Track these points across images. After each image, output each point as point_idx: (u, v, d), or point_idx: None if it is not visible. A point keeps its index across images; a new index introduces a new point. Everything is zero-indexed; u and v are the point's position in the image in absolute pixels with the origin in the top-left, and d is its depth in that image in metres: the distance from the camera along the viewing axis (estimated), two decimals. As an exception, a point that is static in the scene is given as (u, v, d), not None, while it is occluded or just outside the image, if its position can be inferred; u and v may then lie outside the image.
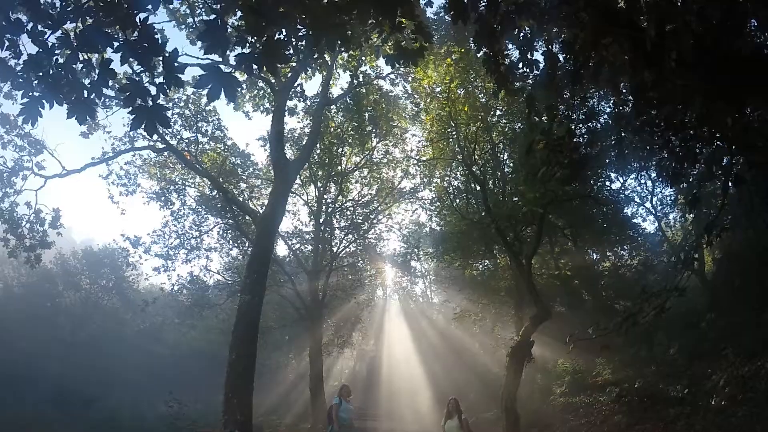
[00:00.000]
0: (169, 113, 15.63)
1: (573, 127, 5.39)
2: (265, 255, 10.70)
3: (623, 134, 6.29)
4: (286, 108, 14.02)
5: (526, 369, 12.83)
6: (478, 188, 14.06)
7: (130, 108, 3.69)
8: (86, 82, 3.95)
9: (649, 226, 21.30)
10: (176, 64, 3.81)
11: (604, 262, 20.80)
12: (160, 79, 3.88)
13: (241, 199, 17.66)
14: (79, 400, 24.07)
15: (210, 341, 25.72)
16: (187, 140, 16.20)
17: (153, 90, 3.71)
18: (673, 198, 20.35)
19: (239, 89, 11.93)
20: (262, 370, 26.23)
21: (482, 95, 13.65)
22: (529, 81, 5.06)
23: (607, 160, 15.76)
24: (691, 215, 19.40)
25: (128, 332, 36.08)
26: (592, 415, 11.97)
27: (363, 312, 22.81)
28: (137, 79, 3.84)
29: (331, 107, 17.62)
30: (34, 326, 32.32)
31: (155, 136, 13.74)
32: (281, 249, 22.32)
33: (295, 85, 14.10)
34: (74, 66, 3.86)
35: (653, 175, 19.23)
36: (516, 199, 14.86)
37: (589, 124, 6.60)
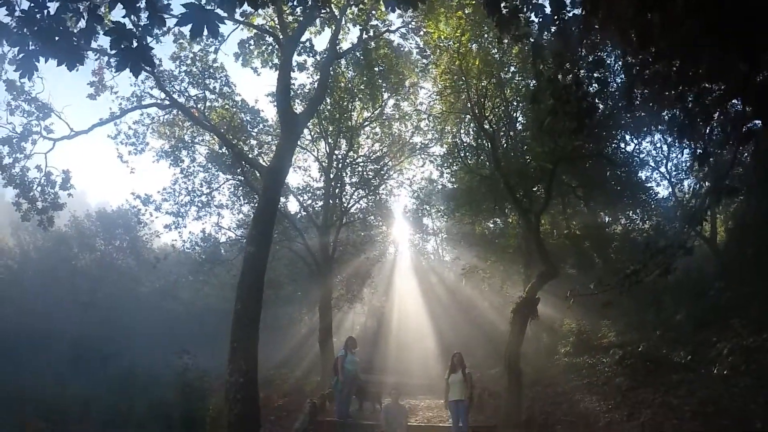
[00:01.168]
0: (176, 71, 15.67)
1: (580, 75, 5.09)
2: (272, 207, 10.69)
3: (633, 86, 5.95)
4: (295, 63, 13.76)
5: (531, 327, 12.91)
6: (489, 145, 13.81)
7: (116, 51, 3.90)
8: (76, 30, 4.16)
9: (663, 191, 20.77)
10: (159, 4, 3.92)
11: (615, 226, 20.41)
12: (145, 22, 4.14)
13: (250, 155, 17.61)
14: (97, 357, 25.00)
15: (224, 298, 26.06)
16: (194, 97, 16.03)
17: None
18: (688, 164, 20.00)
19: (247, 45, 11.64)
20: (273, 324, 26.83)
21: (495, 51, 13.22)
22: (535, 26, 4.77)
23: (622, 121, 15.53)
24: (701, 173, 19.22)
25: (143, 291, 36.99)
26: (595, 376, 11.98)
27: (373, 268, 22.95)
28: (122, 21, 3.97)
29: (341, 62, 17.28)
30: (51, 289, 33.39)
31: (162, 93, 13.81)
32: (292, 205, 22.44)
33: (304, 40, 13.83)
34: (64, 16, 4.03)
35: (669, 139, 18.83)
36: (527, 157, 14.68)
37: (598, 73, 6.24)
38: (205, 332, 27.51)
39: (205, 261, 20.81)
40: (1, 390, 15.00)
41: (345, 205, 20.56)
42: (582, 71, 6.14)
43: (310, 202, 21.27)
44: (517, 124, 17.31)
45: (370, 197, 21.54)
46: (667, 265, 5.56)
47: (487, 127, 13.99)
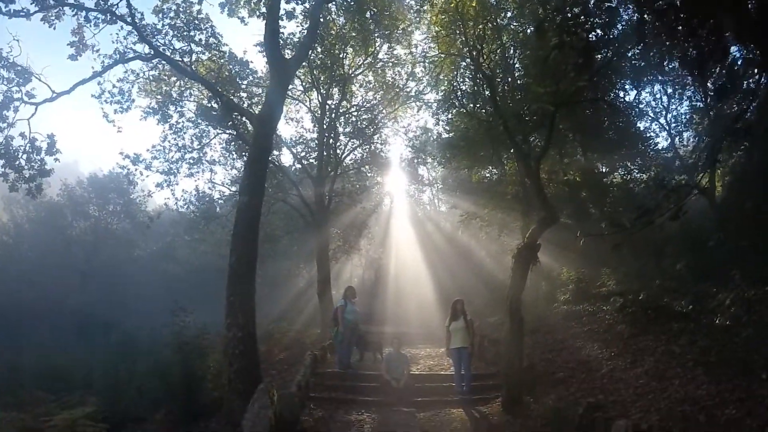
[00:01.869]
0: (159, 25, 14.69)
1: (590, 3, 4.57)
2: (264, 155, 10.20)
3: (643, 20, 5.41)
4: (283, 11, 12.98)
5: (531, 274, 12.76)
6: (487, 88, 13.27)
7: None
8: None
9: (662, 142, 20.39)
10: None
11: (613, 176, 20.05)
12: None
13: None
14: (98, 324, 24.78)
15: (221, 255, 25.83)
16: (180, 51, 15.13)
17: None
18: (687, 117, 19.77)
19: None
20: (272, 280, 26.79)
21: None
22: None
23: (623, 68, 15.02)
24: (700, 127, 18.89)
25: (140, 254, 36.78)
26: (595, 324, 11.89)
27: (370, 218, 22.68)
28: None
29: (331, 7, 16.53)
30: (47, 260, 33.06)
31: (145, 47, 12.99)
32: (286, 158, 22.05)
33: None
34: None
35: (669, 90, 18.87)
36: (525, 105, 14.14)
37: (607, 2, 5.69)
38: (204, 291, 27.31)
39: (199, 219, 20.46)
40: (1, 364, 14.77)
41: (339, 155, 20.09)
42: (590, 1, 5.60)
43: (303, 154, 20.80)
44: (515, 72, 16.72)
45: (364, 147, 21.04)
46: (680, 206, 5.25)
47: (485, 69, 13.42)
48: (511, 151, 16.43)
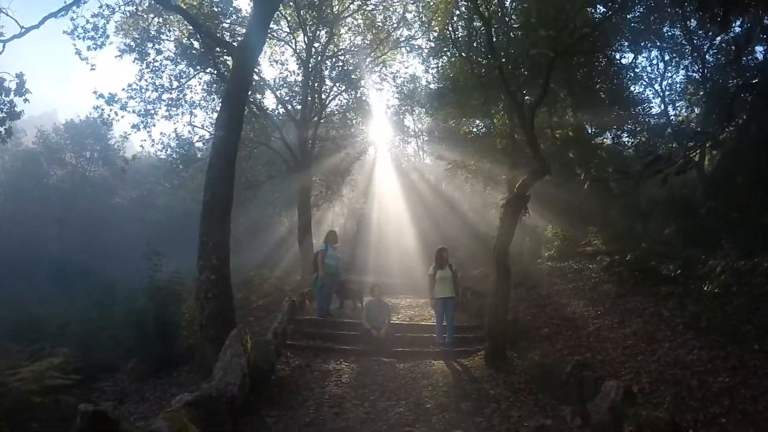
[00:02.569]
0: None
1: None
2: (242, 87, 9.29)
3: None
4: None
5: (515, 230, 12.38)
6: (483, 30, 12.41)
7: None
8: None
9: (655, 108, 19.92)
10: None
11: (603, 139, 19.53)
12: None
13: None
14: (77, 274, 23.73)
15: (200, 201, 24.99)
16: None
17: None
18: (682, 87, 19.43)
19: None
20: (253, 226, 26.04)
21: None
22: None
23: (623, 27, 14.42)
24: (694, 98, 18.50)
25: (119, 202, 35.33)
26: (581, 281, 11.56)
27: (353, 166, 21.87)
28: None
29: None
30: (25, 209, 31.37)
31: None
32: (269, 101, 21.08)
33: None
34: None
35: (666, 56, 18.51)
36: (523, 49, 13.33)
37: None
38: (185, 237, 26.41)
39: (178, 163, 19.40)
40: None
41: (324, 99, 19.08)
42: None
43: (288, 98, 19.68)
44: (514, 17, 15.78)
45: (350, 92, 20.00)
46: (691, 158, 4.81)
47: (482, 11, 12.47)
48: (503, 100, 15.78)
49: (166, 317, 8.82)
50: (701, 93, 18.62)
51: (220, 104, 18.80)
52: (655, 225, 14.17)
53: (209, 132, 19.11)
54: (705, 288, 8.95)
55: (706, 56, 17.13)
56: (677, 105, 20.19)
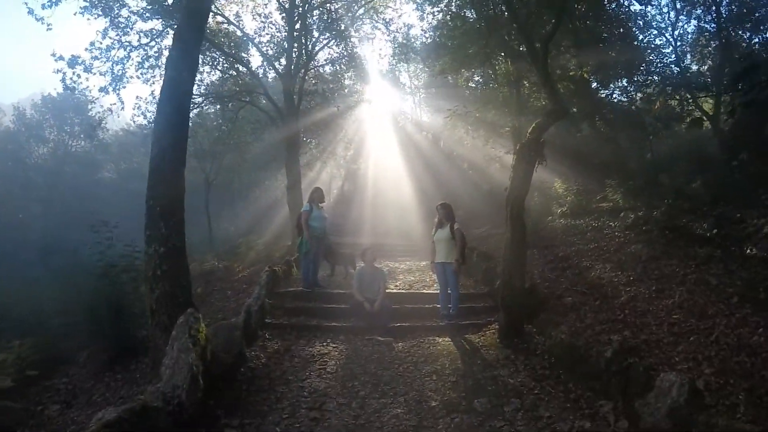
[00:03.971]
0: None
1: None
2: (197, 20, 7.29)
3: None
4: None
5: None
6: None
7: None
8: None
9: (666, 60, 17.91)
10: None
11: (609, 92, 17.65)
12: None
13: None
14: (63, 254, 22.00)
15: (191, 168, 23.07)
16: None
17: None
18: (693, 37, 18.07)
19: None
20: (246, 192, 24.35)
21: None
22: None
23: None
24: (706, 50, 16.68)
25: (106, 176, 33.16)
26: (603, 241, 9.92)
27: (346, 122, 19.93)
28: None
29: None
30: (8, 192, 29.16)
31: None
32: (255, 60, 19.02)
33: None
34: None
35: (678, 5, 17.33)
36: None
37: None
38: (186, 207, 24.78)
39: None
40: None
41: (311, 51, 16.96)
42: None
43: (272, 53, 17.58)
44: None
45: (339, 43, 17.89)
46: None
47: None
48: (507, 43, 13.92)
49: (121, 299, 7.19)
50: (714, 45, 16.97)
51: (203, 66, 17.36)
52: (676, 180, 12.49)
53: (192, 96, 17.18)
54: (748, 251, 7.39)
55: (720, 7, 15.48)
56: (686, 57, 18.41)
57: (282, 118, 15.86)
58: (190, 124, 19.68)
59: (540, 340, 6.70)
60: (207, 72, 17.58)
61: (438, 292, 8.36)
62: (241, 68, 17.11)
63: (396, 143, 25.06)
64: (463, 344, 6.99)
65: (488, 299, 8.82)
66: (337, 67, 18.83)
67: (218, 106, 19.14)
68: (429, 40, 19.53)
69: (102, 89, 14.59)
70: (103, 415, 4.12)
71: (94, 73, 14.30)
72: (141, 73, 15.15)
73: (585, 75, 14.41)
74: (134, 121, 19.55)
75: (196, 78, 17.35)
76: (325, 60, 18.51)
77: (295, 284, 9.42)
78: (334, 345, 6.91)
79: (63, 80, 13.99)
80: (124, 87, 14.70)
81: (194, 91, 17.19)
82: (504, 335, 6.99)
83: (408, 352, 6.64)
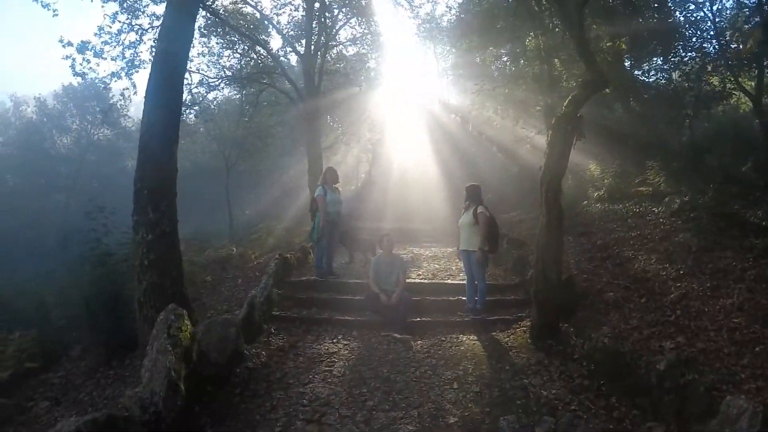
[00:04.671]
0: None
1: None
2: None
3: None
4: None
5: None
6: None
7: None
8: None
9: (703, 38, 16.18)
10: None
11: (642, 71, 16.21)
12: None
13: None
14: (84, 241, 21.75)
15: (212, 153, 22.68)
16: None
17: None
18: (732, 12, 15.85)
19: None
20: (269, 177, 23.73)
21: None
22: None
23: None
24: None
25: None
26: (646, 228, 8.82)
27: (369, 104, 19.00)
28: None
29: None
30: (33, 182, 29.07)
31: None
32: (274, 42, 18.35)
33: None
34: None
35: None
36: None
37: None
38: (192, 194, 24.34)
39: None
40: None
41: (330, 29, 16.09)
42: None
43: (291, 33, 16.80)
44: None
45: (360, 20, 16.93)
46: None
47: None
48: (538, 15, 12.78)
49: (119, 291, 6.56)
50: (754, 21, 15.28)
51: (221, 50, 16.81)
52: (722, 162, 11.25)
53: (208, 78, 16.61)
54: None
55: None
56: (726, 34, 16.60)
57: (302, 99, 15.10)
58: (214, 108, 19.32)
59: (577, 343, 5.78)
60: (227, 56, 17.05)
61: (464, 282, 7.47)
62: (260, 50, 16.41)
63: (422, 125, 23.95)
64: (489, 344, 6.13)
65: (519, 291, 7.89)
66: (360, 48, 17.95)
67: (239, 90, 18.59)
68: (454, 19, 18.47)
69: (114, 74, 14.02)
70: (61, 427, 3.50)
71: (105, 58, 13.77)
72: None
73: (622, 45, 13.10)
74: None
75: (216, 61, 17.01)
76: (347, 39, 17.66)
77: (309, 272, 8.64)
78: (345, 342, 6.16)
79: (72, 66, 13.43)
80: (137, 71, 14.01)
81: (213, 75, 16.95)
82: (536, 335, 6.09)
83: (427, 353, 5.83)
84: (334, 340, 6.20)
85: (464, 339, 6.30)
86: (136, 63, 13.79)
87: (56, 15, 12.34)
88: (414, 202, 18.24)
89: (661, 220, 8.94)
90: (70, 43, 13.36)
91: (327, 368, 5.35)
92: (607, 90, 15.25)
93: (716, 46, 15.58)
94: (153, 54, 6.94)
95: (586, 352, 5.50)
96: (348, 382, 5.00)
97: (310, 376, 5.13)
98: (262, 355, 5.61)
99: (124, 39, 13.71)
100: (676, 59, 15.55)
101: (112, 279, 6.76)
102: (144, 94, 5.99)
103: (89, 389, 5.74)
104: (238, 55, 17.12)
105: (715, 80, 15.90)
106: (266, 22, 16.58)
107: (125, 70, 13.88)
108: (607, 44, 12.98)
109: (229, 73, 17.06)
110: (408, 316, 6.76)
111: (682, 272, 6.83)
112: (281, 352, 5.75)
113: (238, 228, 18.31)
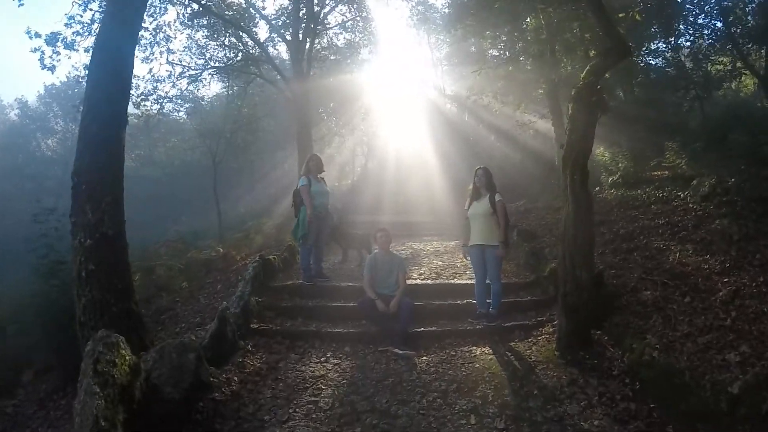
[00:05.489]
0: None
1: None
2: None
3: None
4: None
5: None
6: None
7: None
8: None
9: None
10: None
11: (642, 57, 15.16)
12: None
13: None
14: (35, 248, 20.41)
15: (202, 151, 21.66)
16: None
17: None
18: None
19: None
20: (259, 173, 22.63)
21: None
22: None
23: None
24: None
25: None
26: (675, 215, 7.78)
27: (362, 92, 17.91)
28: None
29: None
30: (17, 186, 27.66)
31: None
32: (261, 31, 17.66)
33: None
34: None
35: None
36: None
37: None
38: (190, 195, 23.18)
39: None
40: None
41: (318, 13, 15.05)
42: None
43: (276, 18, 15.76)
44: None
45: (351, 5, 15.88)
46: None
47: None
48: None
49: (73, 304, 5.47)
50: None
51: (207, 41, 15.76)
52: (754, 140, 10.23)
53: (186, 66, 15.54)
54: None
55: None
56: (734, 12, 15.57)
57: (290, 89, 14.04)
58: (205, 104, 18.15)
59: (615, 354, 4.76)
60: (213, 47, 16.00)
61: (473, 282, 6.42)
62: (247, 41, 15.38)
63: (419, 115, 22.84)
64: (509, 359, 5.08)
65: (536, 290, 6.85)
66: (352, 36, 16.89)
67: (226, 83, 17.60)
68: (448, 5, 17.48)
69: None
70: None
71: (77, 50, 12.67)
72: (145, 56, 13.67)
73: (637, 17, 12.04)
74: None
75: (201, 53, 15.93)
76: (337, 24, 16.55)
77: (297, 275, 7.53)
78: (335, 361, 5.10)
79: (41, 59, 12.33)
80: None
81: (197, 66, 15.88)
82: (565, 345, 5.05)
83: (435, 373, 4.78)
84: (322, 359, 5.14)
85: (478, 353, 5.25)
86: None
87: (21, 5, 11.17)
88: (412, 195, 17.21)
89: (691, 205, 7.90)
90: (38, 35, 12.33)
91: (312, 398, 4.29)
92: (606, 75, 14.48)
93: (722, 27, 14.64)
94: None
95: (628, 367, 4.48)
96: (337, 418, 3.95)
97: (291, 411, 4.07)
98: (233, 382, 4.55)
99: (97, 29, 12.62)
100: (681, 40, 14.74)
101: (65, 291, 5.68)
102: (87, 78, 4.93)
103: (37, 423, 4.72)
104: (225, 47, 16.11)
105: (724, 60, 14.99)
106: (252, 10, 15.56)
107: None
108: (620, 15, 11.86)
109: (216, 64, 16.04)
110: (410, 326, 5.70)
111: (727, 265, 5.79)
112: (257, 377, 4.70)
113: (228, 226, 17.26)
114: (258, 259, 7.05)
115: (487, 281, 6.00)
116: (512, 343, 5.50)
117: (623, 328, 5.16)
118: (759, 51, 14.47)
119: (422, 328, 5.78)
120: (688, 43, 15.37)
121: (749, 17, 14.42)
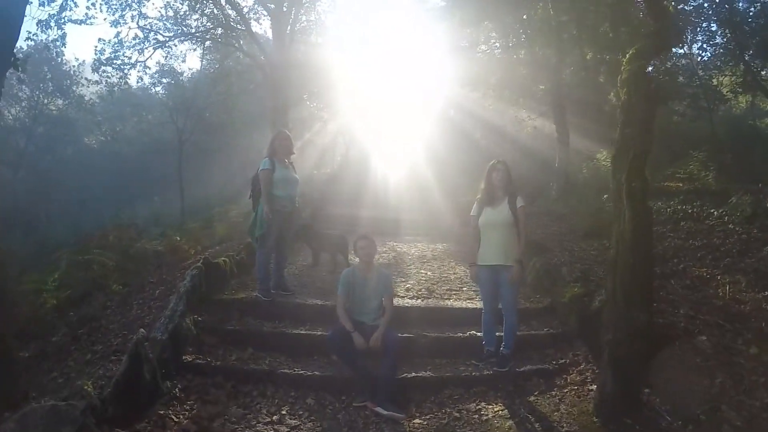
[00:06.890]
0: None
1: None
2: None
3: None
4: None
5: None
6: None
7: None
8: None
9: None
10: None
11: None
12: None
13: None
14: (28, 227, 18.46)
15: (160, 124, 19.96)
16: None
17: None
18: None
19: None
20: (232, 154, 20.97)
21: None
22: None
23: None
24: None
25: (84, 138, 29.14)
26: (713, 236, 6.54)
27: (348, 75, 16.40)
28: None
29: None
30: None
31: None
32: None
33: None
34: None
35: None
36: None
37: None
38: (160, 172, 21.33)
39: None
40: None
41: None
42: None
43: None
44: None
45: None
46: None
47: None
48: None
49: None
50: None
51: (188, 12, 14.19)
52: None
53: (162, 35, 13.96)
54: None
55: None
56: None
57: (270, 63, 12.53)
58: (184, 79, 16.39)
59: (676, 426, 3.43)
60: (193, 18, 14.51)
61: (475, 307, 5.01)
62: (229, 12, 13.86)
63: (412, 105, 21.36)
64: (533, 426, 3.70)
65: (552, 319, 5.49)
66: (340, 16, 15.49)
67: (202, 55, 16.05)
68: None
69: (41, 23, 11.34)
70: None
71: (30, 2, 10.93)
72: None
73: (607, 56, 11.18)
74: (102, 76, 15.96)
75: (180, 22, 14.31)
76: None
77: (252, 285, 5.85)
78: (292, 422, 3.59)
79: None
80: (65, 24, 11.46)
81: (171, 33, 14.30)
82: (609, 407, 3.70)
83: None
84: (275, 418, 3.63)
85: (489, 413, 3.85)
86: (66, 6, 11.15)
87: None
88: (395, 188, 15.77)
89: (731, 226, 6.69)
90: None
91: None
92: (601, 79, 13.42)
93: (731, 40, 13.65)
94: None
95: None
96: None
97: None
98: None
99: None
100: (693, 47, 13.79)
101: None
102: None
103: None
104: (205, 16, 14.51)
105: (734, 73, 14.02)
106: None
107: (54, 18, 11.30)
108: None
109: (194, 32, 14.46)
110: (397, 372, 4.23)
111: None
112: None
113: (193, 210, 15.64)
114: (200, 264, 5.41)
115: (500, 306, 4.62)
116: (532, 398, 4.13)
117: (682, 386, 3.85)
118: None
119: (413, 373, 4.33)
120: (700, 51, 14.49)
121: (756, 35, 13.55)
